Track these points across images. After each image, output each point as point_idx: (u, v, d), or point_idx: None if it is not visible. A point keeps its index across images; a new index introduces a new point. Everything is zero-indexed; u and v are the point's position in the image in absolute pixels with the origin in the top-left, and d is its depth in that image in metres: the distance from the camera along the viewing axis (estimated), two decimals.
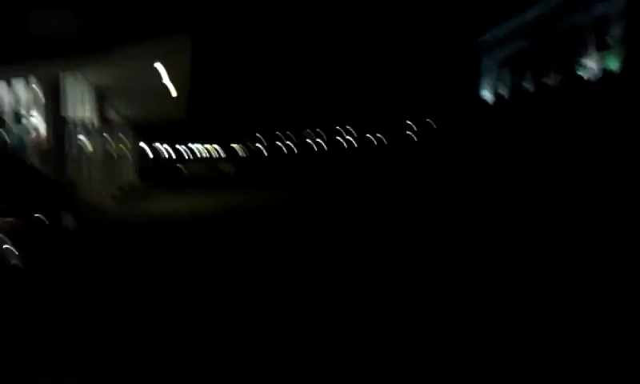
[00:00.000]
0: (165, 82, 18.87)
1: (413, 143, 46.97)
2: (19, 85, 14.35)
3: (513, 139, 29.21)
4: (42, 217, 5.89)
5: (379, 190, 18.85)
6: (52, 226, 6.13)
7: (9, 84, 14.05)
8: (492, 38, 41.98)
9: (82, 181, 15.94)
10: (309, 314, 5.15)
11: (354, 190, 19.95)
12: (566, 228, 9.48)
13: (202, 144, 53.22)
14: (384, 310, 5.13)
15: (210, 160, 51.29)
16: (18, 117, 14.56)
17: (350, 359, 3.98)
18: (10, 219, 5.26)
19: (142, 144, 40.63)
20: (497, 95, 40.58)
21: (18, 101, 14.43)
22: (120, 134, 24.04)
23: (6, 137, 14.41)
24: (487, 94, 42.25)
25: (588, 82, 29.80)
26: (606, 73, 29.12)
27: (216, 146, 54.03)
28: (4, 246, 5.22)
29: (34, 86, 14.56)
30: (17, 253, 5.29)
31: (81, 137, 17.06)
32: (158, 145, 47.68)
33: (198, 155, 53.31)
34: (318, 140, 54.17)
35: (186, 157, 51.42)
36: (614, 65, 29.06)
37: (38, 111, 14.71)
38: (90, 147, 17.89)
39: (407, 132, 48.64)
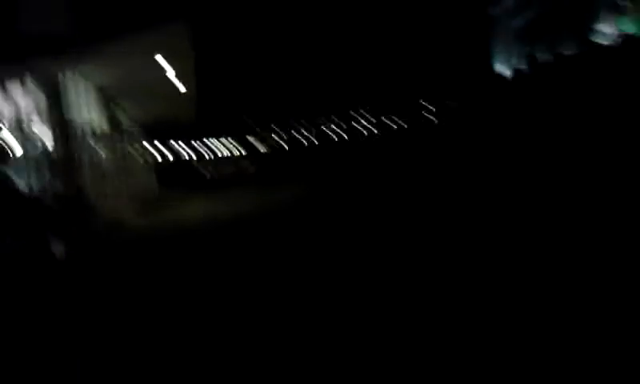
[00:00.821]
0: (171, 77, 18.68)
1: (433, 126, 46.14)
2: (16, 88, 13.99)
3: (534, 115, 28.41)
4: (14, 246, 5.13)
5: (412, 181, 18.25)
6: (27, 257, 5.26)
7: (4, 88, 13.79)
8: (504, 9, 40.98)
9: (94, 192, 15.60)
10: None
11: (384, 183, 19.35)
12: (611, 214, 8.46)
13: (218, 139, 52.91)
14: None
15: (230, 159, 51.13)
16: (18, 123, 14.25)
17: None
18: None
19: (157, 146, 40.64)
20: (513, 68, 39.62)
21: (17, 106, 14.08)
22: (133, 137, 23.92)
23: (6, 147, 14.14)
24: (502, 68, 41.30)
25: (607, 48, 28.83)
26: (624, 37, 28.13)
27: (232, 140, 53.71)
28: None
29: (33, 89, 14.22)
30: None
31: (90, 142, 16.78)
32: (174, 144, 47.66)
33: (218, 153, 53.13)
34: (335, 128, 53.63)
35: (206, 156, 51.29)
36: (631, 29, 28.06)
37: (40, 117, 14.36)
38: (101, 153, 17.65)
39: (425, 114, 47.86)
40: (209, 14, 37.89)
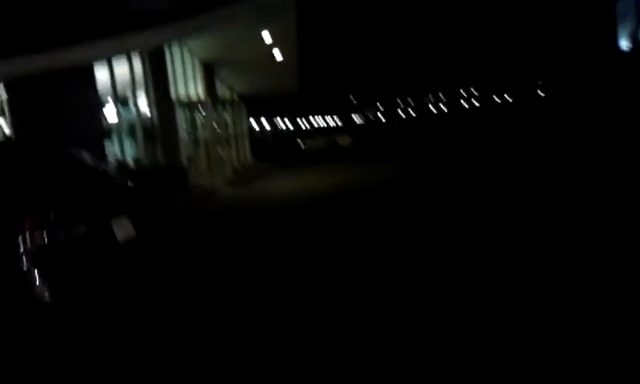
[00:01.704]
0: (274, 51, 18.28)
1: (544, 104, 43.33)
2: (120, 63, 14.00)
3: None
4: (81, 228, 4.50)
5: (512, 159, 16.82)
6: (95, 239, 4.68)
7: (109, 62, 13.81)
8: None
9: (192, 164, 15.65)
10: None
11: (483, 160, 18.03)
12: None
13: (319, 116, 52.67)
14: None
15: (328, 132, 50.76)
16: (121, 98, 14.30)
17: None
18: (36, 234, 4.22)
19: (256, 120, 40.79)
20: (637, 43, 36.31)
21: (120, 80, 14.08)
22: (232, 111, 23.93)
23: (109, 121, 14.28)
24: (625, 43, 37.97)
25: None
26: None
27: (334, 117, 53.29)
28: (23, 271, 4.07)
29: (136, 62, 14.20)
30: (41, 280, 4.08)
31: (190, 115, 16.73)
32: (273, 118, 47.83)
33: (316, 126, 52.89)
34: (434, 104, 51.92)
35: (304, 129, 51.19)
36: None
37: (142, 90, 14.34)
38: (200, 126, 17.61)
39: (537, 91, 45.14)
40: None
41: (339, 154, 30.24)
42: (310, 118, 51.60)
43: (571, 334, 3.66)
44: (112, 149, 14.21)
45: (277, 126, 48.95)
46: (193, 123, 16.88)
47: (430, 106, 52.18)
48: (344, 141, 38.34)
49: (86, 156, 5.74)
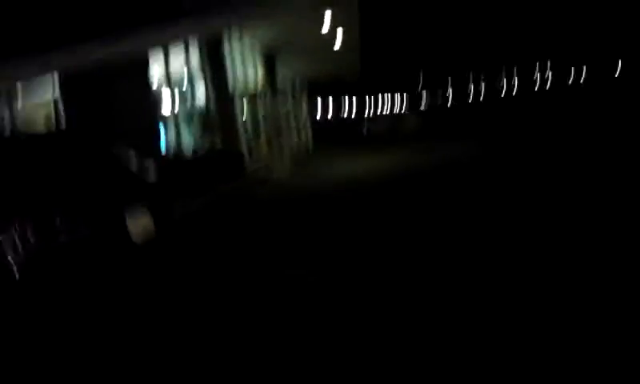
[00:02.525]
0: (336, 33, 17.66)
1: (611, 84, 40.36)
2: (178, 49, 13.80)
3: None
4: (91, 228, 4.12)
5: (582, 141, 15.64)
6: (101, 241, 4.25)
7: (166, 49, 13.56)
8: None
9: (252, 152, 15.44)
10: None
11: (555, 141, 16.92)
12: None
13: (383, 95, 51.50)
14: None
15: (392, 113, 49.61)
16: (179, 88, 14.11)
17: None
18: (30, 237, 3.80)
19: (318, 102, 40.19)
20: None
21: (177, 71, 13.89)
22: (292, 97, 23.49)
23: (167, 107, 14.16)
24: None
25: None
26: None
27: (399, 95, 51.93)
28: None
29: (195, 47, 13.99)
30: (42, 290, 3.74)
31: (249, 104, 16.38)
32: (336, 100, 47.10)
33: (379, 110, 51.80)
34: (507, 82, 49.83)
35: (367, 110, 50.14)
36: None
37: (201, 80, 14.19)
38: (260, 114, 17.28)
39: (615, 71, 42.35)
40: None
41: (404, 139, 29.20)
42: (375, 96, 50.41)
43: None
44: (171, 138, 14.10)
45: (340, 107, 48.17)
46: (252, 111, 16.54)
47: (503, 85, 50.05)
48: (410, 123, 36.85)
49: (123, 151, 5.42)
